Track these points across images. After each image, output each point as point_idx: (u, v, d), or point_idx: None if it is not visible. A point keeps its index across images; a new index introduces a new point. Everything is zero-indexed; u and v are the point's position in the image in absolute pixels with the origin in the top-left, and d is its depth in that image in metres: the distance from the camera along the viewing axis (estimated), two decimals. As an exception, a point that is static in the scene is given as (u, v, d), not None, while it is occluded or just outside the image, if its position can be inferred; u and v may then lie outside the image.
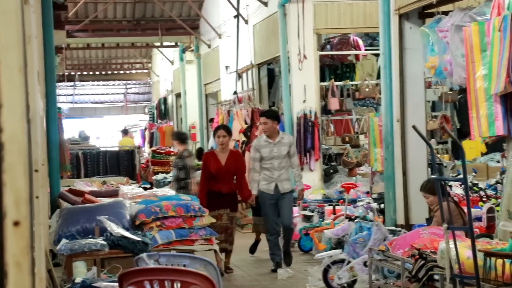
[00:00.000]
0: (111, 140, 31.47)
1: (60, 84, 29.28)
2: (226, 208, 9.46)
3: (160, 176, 18.31)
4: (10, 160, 1.98)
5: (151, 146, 26.41)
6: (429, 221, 8.75)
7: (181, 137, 12.51)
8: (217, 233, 8.56)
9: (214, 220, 8.53)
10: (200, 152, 20.46)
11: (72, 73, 31.98)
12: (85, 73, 32.89)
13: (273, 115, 9.85)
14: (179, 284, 3.99)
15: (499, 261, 5.79)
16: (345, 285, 8.05)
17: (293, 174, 9.78)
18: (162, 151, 20.21)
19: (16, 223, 1.95)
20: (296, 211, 11.43)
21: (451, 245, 5.98)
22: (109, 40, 25.55)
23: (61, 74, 27.58)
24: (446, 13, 9.09)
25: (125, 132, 26.42)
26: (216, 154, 9.69)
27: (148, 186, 13.48)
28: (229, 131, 9.87)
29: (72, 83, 33.33)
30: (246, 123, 15.80)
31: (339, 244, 9.26)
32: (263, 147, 9.61)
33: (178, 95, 26.08)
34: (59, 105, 19.78)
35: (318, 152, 14.06)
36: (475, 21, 7.83)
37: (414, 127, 6.24)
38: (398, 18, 10.35)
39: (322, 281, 8.47)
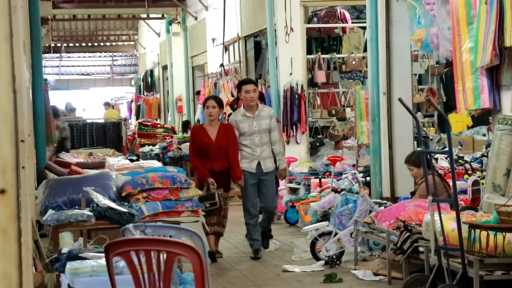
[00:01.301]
0: (98, 112, 31.39)
1: (46, 55, 29.09)
2: (219, 187, 8.48)
3: (146, 148, 18.31)
4: (-4, 129, 1.98)
5: (137, 118, 26.38)
6: (413, 194, 8.80)
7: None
8: (208, 214, 8.18)
9: (200, 192, 8.09)
10: (186, 125, 20.46)
11: (58, 45, 31.77)
12: (71, 44, 32.69)
13: (256, 84, 9.32)
14: (165, 255, 4.00)
15: (484, 233, 5.85)
16: (333, 256, 8.11)
17: (274, 150, 8.87)
18: (149, 124, 20.19)
19: (2, 191, 1.96)
20: (282, 184, 11.46)
21: (436, 217, 6.04)
22: (95, 12, 25.37)
23: (47, 45, 27.37)
24: (433, -14, 9.07)
25: (107, 104, 26.38)
26: (205, 129, 8.62)
27: (135, 158, 13.49)
28: (220, 103, 8.73)
29: (58, 55, 33.15)
30: (232, 95, 15.78)
31: (325, 216, 9.32)
32: (241, 122, 8.72)
33: (164, 68, 25.99)
34: (45, 76, 19.65)
35: (305, 125, 14.08)
36: (462, -6, 7.83)
37: (400, 100, 6.27)
38: (386, -9, 10.32)
39: (308, 253, 8.54)
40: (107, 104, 26.30)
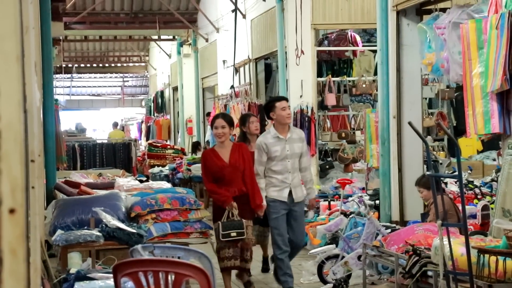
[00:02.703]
0: (107, 133, 31.51)
1: (57, 76, 29.27)
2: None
3: (156, 169, 18.33)
4: (6, 149, 1.99)
5: (147, 139, 26.45)
6: (424, 215, 8.77)
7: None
8: (223, 246, 7.30)
9: (208, 214, 7.96)
10: (196, 146, 20.49)
11: (70, 65, 31.97)
12: (82, 65, 32.88)
13: (286, 99, 8.19)
14: (173, 276, 4.01)
15: (493, 258, 5.81)
16: (341, 280, 8.07)
17: (304, 178, 7.94)
18: (159, 145, 20.23)
19: (11, 211, 1.97)
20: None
21: (445, 241, 6.01)
22: (106, 33, 25.54)
23: (58, 66, 27.56)
24: (443, 10, 9.10)
25: (115, 125, 26.51)
26: (217, 151, 7.60)
27: (144, 179, 13.51)
28: (230, 121, 7.69)
29: (69, 75, 33.33)
30: (242, 117, 15.78)
31: (334, 239, 9.29)
32: (272, 145, 7.69)
33: (175, 89, 26.08)
34: (56, 96, 19.74)
35: (314, 148, 14.08)
36: (473, 18, 7.85)
37: (410, 123, 6.26)
38: (396, 15, 10.35)
39: (316, 276, 8.50)
40: (114, 125, 26.44)
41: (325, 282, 8.30)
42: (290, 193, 7.72)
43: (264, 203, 7.62)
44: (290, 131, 7.79)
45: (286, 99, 8.08)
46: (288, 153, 7.71)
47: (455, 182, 10.44)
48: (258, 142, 7.79)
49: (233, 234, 7.28)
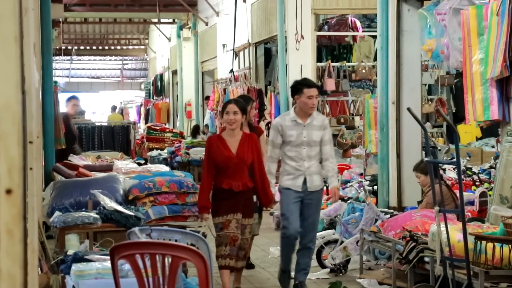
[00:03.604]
0: (107, 116, 31.51)
1: (56, 58, 29.18)
2: (237, 212, 6.84)
3: (154, 153, 18.33)
4: (4, 129, 1.99)
5: (146, 122, 26.44)
6: (420, 203, 8.79)
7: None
8: (220, 244, 6.80)
9: None
10: (196, 129, 20.50)
11: (69, 47, 31.89)
12: (82, 47, 32.80)
13: (318, 86, 7.44)
14: (170, 259, 4.01)
15: (490, 244, 5.83)
16: (340, 264, 8.10)
17: (325, 167, 7.25)
18: (157, 128, 20.21)
19: (8, 191, 1.97)
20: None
21: (442, 228, 6.02)
22: (106, 15, 25.46)
23: (58, 48, 27.48)
24: (444, -4, 9.06)
25: (113, 108, 26.46)
26: (224, 139, 6.94)
27: (143, 162, 13.51)
28: (243, 108, 7.02)
29: (68, 57, 33.25)
30: (242, 101, 15.76)
31: (331, 224, 9.31)
32: (289, 129, 7.16)
33: (174, 72, 26.04)
34: (55, 78, 19.68)
35: (313, 133, 14.06)
36: (473, 4, 7.82)
37: (409, 109, 6.26)
38: (396, 0, 10.32)
39: (314, 260, 8.52)
40: (113, 108, 26.42)
41: (323, 266, 8.33)
42: (305, 181, 7.14)
43: (272, 190, 7.15)
44: (311, 116, 7.19)
45: (317, 87, 7.41)
46: (305, 139, 7.13)
47: (454, 169, 10.44)
48: (274, 123, 7.37)
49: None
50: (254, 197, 7.16)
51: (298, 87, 7.25)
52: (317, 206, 7.29)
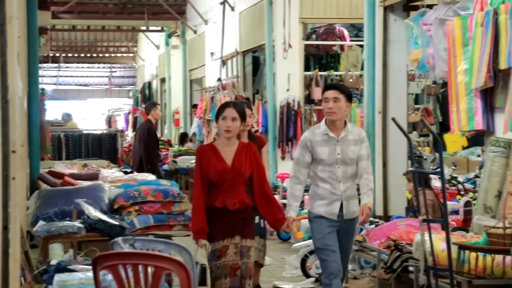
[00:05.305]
0: (93, 124, 31.49)
1: (44, 65, 29.13)
2: (234, 235, 5.77)
3: (142, 161, 18.28)
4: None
5: (134, 130, 26.37)
6: (408, 209, 8.82)
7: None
8: (219, 276, 5.71)
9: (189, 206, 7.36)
10: (183, 137, 20.49)
11: (57, 55, 31.81)
12: (70, 55, 32.72)
13: (348, 93, 6.18)
14: (152, 269, 4.01)
15: (473, 254, 5.86)
16: (322, 274, 8.09)
17: (361, 184, 6.16)
18: (145, 136, 20.13)
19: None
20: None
21: (426, 237, 6.04)
22: (94, 23, 25.43)
23: (45, 55, 27.42)
24: (430, 6, 9.11)
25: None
26: (217, 149, 5.87)
27: (129, 170, 13.49)
28: (242, 113, 5.91)
29: (56, 65, 33.17)
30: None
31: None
32: (319, 145, 6.06)
33: (162, 80, 26.02)
34: (43, 86, 19.64)
35: (300, 141, 14.09)
36: (459, 15, 7.87)
37: (393, 119, 6.28)
38: (383, 10, 10.38)
39: (299, 270, 8.53)
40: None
41: (308, 276, 8.33)
42: (341, 207, 6.06)
43: (291, 214, 6.05)
44: (345, 129, 6.09)
45: (336, 87, 6.18)
46: (339, 157, 6.05)
47: (439, 178, 10.48)
48: (303, 138, 6.18)
49: None
50: (256, 218, 6.36)
51: (323, 91, 6.24)
52: (353, 234, 6.30)
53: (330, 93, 6.05)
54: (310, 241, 8.69)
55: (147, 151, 12.38)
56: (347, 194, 6.06)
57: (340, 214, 6.03)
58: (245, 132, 6.99)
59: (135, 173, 10.19)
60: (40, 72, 19.56)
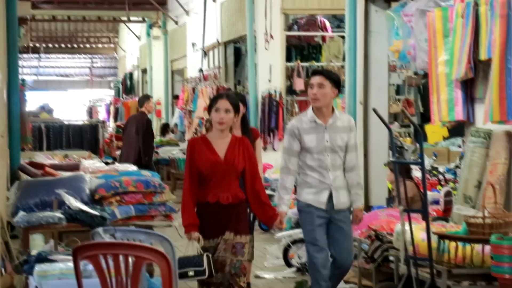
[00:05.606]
0: (74, 115, 31.34)
1: (24, 55, 28.94)
2: (226, 230, 5.61)
3: (123, 151, 18.24)
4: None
5: (115, 120, 26.30)
6: (389, 200, 8.86)
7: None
8: (210, 272, 5.48)
9: (174, 197, 7.63)
10: (164, 128, 20.44)
11: (37, 45, 31.62)
12: (50, 45, 32.53)
13: (335, 78, 6.09)
14: (133, 259, 4.01)
15: (453, 243, 5.90)
16: (306, 263, 8.13)
17: (349, 179, 6.08)
18: (127, 127, 20.09)
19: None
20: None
21: (407, 227, 6.08)
22: (75, 13, 25.26)
23: (26, 45, 27.23)
24: (411, -3, 9.13)
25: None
26: (210, 141, 5.71)
27: (111, 161, 13.45)
28: (235, 105, 5.73)
29: (37, 55, 32.99)
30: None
31: (298, 224, 9.35)
32: (307, 132, 5.97)
33: (144, 71, 25.94)
34: (23, 77, 19.50)
35: (282, 132, 14.11)
36: (439, 6, 7.90)
37: (374, 110, 6.29)
38: (364, 1, 10.36)
39: (281, 259, 8.56)
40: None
41: (290, 265, 8.36)
42: (331, 197, 5.97)
43: (283, 208, 5.98)
44: (333, 116, 6.00)
45: (321, 73, 6.07)
46: (328, 145, 5.94)
47: (419, 168, 10.53)
48: (290, 126, 6.07)
49: (190, 273, 5.48)
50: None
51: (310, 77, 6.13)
52: (349, 225, 6.08)
53: (315, 79, 5.97)
54: (292, 231, 8.74)
55: (148, 144, 12.47)
56: (337, 184, 5.96)
57: (329, 204, 5.94)
58: (237, 123, 6.66)
59: (117, 164, 10.16)
60: (20, 63, 19.45)
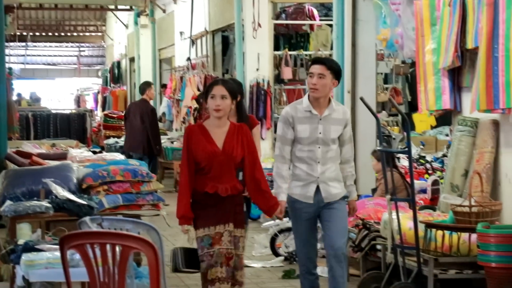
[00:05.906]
0: (63, 103, 31.25)
1: (11, 44, 28.75)
2: (227, 222, 5.43)
3: (111, 141, 18.19)
4: None
5: (103, 110, 26.23)
6: (374, 191, 8.88)
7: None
8: (213, 264, 5.33)
9: (162, 186, 7.59)
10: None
11: (24, 33, 31.42)
12: (37, 34, 32.34)
13: (336, 69, 5.78)
14: (120, 248, 4.00)
15: (439, 232, 5.93)
16: (293, 252, 8.15)
17: (344, 172, 5.88)
18: (115, 116, 20.05)
19: None
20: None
21: (394, 216, 6.10)
22: (62, 1, 25.13)
23: (12, 34, 27.06)
24: (399, -14, 9.13)
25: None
26: (207, 130, 5.51)
27: (98, 150, 13.42)
28: (232, 91, 5.51)
29: (24, 44, 32.79)
30: (199, 89, 15.76)
31: (286, 212, 9.35)
32: (300, 121, 5.74)
33: (132, 60, 25.86)
34: (10, 65, 19.40)
35: (270, 121, 14.12)
36: (427, -5, 7.90)
37: (361, 98, 6.30)
38: (352, -11, 10.38)
39: (268, 249, 8.57)
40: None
41: (277, 254, 8.38)
42: (318, 190, 5.73)
43: (282, 198, 5.69)
44: (329, 107, 5.74)
45: (323, 62, 5.76)
46: (321, 136, 5.71)
47: (407, 157, 10.56)
48: (284, 113, 5.81)
49: (183, 269, 5.47)
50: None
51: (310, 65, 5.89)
52: (342, 212, 5.81)
53: (316, 68, 5.69)
54: (279, 220, 8.74)
55: (157, 134, 12.47)
56: (326, 176, 5.72)
57: (316, 198, 5.72)
58: (232, 110, 6.01)
59: (104, 153, 10.13)
60: (7, 51, 19.34)
